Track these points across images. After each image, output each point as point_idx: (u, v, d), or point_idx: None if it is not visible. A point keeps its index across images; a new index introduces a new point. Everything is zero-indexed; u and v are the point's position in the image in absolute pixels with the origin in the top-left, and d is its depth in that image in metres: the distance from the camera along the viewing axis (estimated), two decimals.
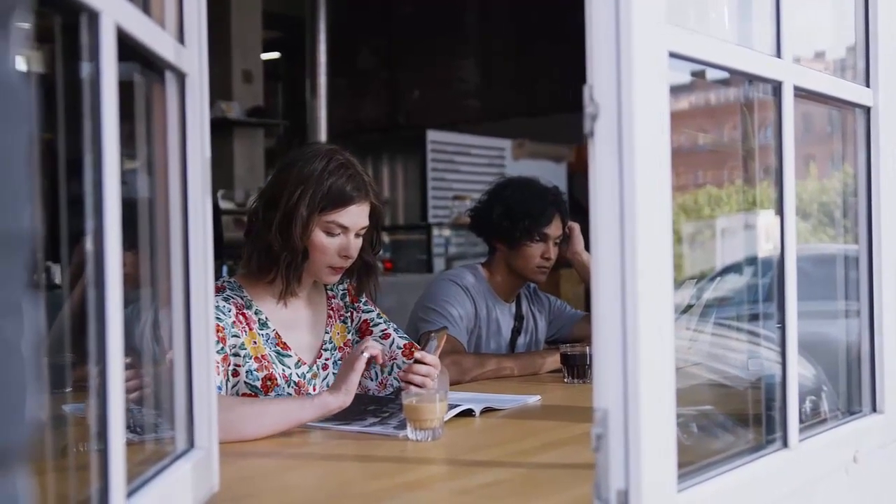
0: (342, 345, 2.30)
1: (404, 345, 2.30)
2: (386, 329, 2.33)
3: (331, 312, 2.31)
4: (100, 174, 0.98)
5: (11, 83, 0.58)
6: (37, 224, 0.61)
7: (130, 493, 1.08)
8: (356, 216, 2.15)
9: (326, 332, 2.28)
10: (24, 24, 0.61)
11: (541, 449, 1.81)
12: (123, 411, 1.02)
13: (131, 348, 1.15)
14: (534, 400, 2.31)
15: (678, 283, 1.62)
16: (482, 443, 1.90)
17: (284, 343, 2.18)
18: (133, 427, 1.30)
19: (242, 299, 2.16)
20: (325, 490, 1.56)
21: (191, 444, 1.35)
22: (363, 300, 2.36)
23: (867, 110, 1.78)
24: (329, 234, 2.13)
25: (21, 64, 0.60)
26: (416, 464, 1.71)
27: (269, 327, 2.17)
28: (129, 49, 1.10)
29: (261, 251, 2.14)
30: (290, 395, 2.14)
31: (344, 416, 2.01)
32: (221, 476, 1.43)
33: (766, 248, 1.95)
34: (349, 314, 2.35)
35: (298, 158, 2.16)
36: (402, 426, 1.87)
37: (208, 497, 1.38)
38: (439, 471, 1.68)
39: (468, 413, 2.06)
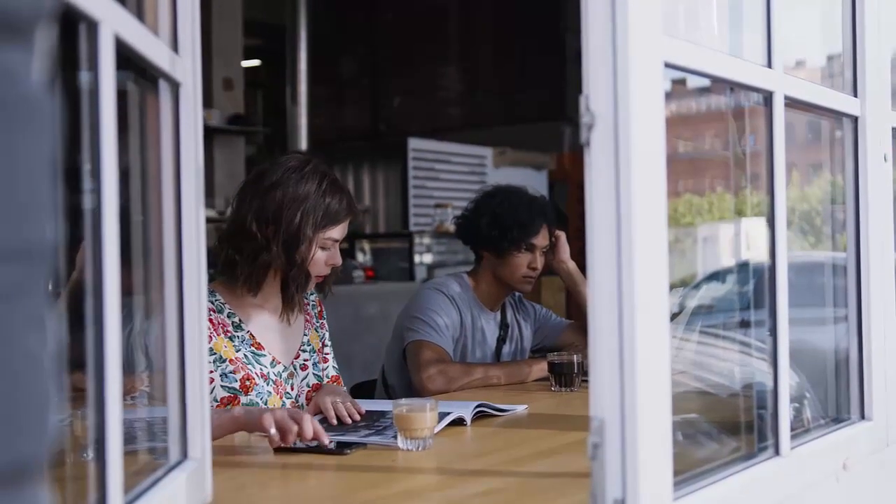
0: (318, 349, 2.39)
1: (333, 376, 2.39)
2: (328, 354, 2.45)
3: (307, 318, 2.40)
4: (99, 183, 0.97)
5: (37, 97, 0.58)
6: (57, 236, 0.61)
7: None
8: (345, 229, 2.28)
9: (305, 335, 2.36)
10: (46, 37, 0.61)
11: (532, 457, 1.81)
12: (121, 423, 1.01)
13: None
14: (522, 409, 2.31)
15: None
16: (473, 452, 1.90)
17: (259, 343, 2.24)
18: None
19: (213, 303, 2.20)
20: (317, 501, 1.56)
21: (184, 455, 1.34)
22: (324, 318, 2.47)
23: (854, 120, 1.79)
24: (323, 248, 2.23)
25: (44, 75, 0.60)
26: (408, 473, 1.70)
27: (243, 329, 2.22)
28: (124, 57, 1.09)
29: (260, 268, 2.19)
30: (270, 393, 2.20)
31: (339, 428, 2.00)
32: (214, 487, 1.42)
33: (748, 256, 1.97)
34: (319, 324, 2.44)
35: (287, 178, 2.19)
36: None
37: None
38: (432, 480, 1.67)
39: (459, 422, 2.06)
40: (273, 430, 1.77)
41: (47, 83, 0.60)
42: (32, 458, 0.55)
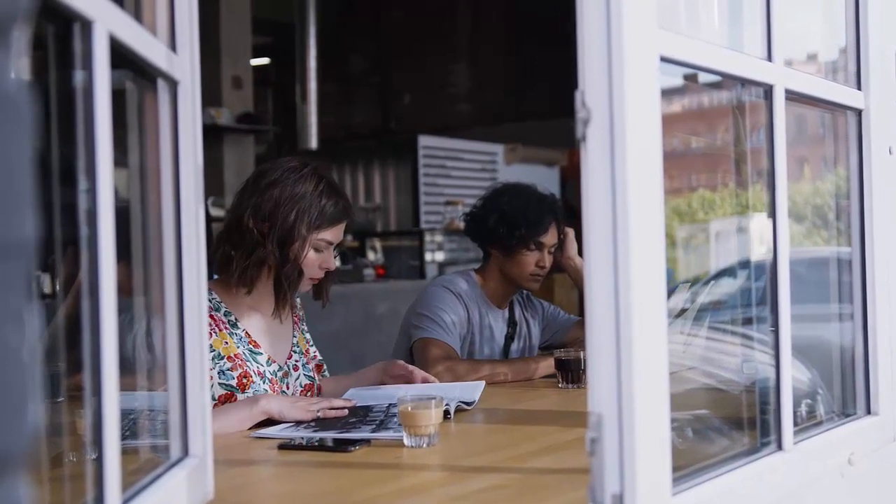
0: (304, 352, 2.43)
1: (305, 385, 2.39)
2: (312, 348, 2.48)
3: (296, 320, 2.45)
4: (93, 183, 0.98)
5: (13, 94, 0.59)
6: (38, 233, 0.61)
7: (125, 502, 1.07)
8: (341, 233, 2.31)
9: (294, 336, 2.41)
10: (23, 34, 0.61)
11: (536, 454, 1.81)
12: (119, 420, 1.01)
13: (124, 358, 1.15)
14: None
15: (672, 287, 1.62)
16: (477, 448, 1.90)
17: (255, 342, 2.28)
18: (125, 434, 1.30)
19: (210, 302, 2.23)
20: (320, 498, 1.56)
21: (185, 452, 1.35)
22: (304, 322, 2.50)
23: (859, 113, 1.78)
24: (317, 250, 2.27)
25: (21, 73, 0.60)
26: (412, 470, 1.71)
27: (239, 327, 2.26)
28: (121, 57, 1.10)
29: (254, 264, 2.22)
30: (266, 391, 2.23)
31: (336, 427, 2.00)
32: (216, 484, 1.42)
33: (759, 251, 1.96)
34: (304, 328, 2.48)
35: (286, 178, 2.24)
36: (401, 429, 1.86)
37: None
38: (436, 476, 1.67)
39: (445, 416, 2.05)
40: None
41: (25, 82, 0.61)
42: (12, 451, 0.56)
